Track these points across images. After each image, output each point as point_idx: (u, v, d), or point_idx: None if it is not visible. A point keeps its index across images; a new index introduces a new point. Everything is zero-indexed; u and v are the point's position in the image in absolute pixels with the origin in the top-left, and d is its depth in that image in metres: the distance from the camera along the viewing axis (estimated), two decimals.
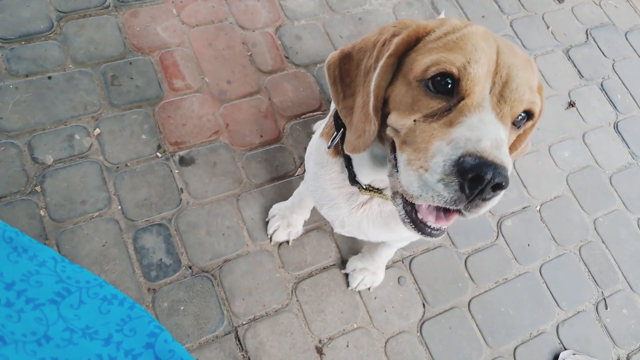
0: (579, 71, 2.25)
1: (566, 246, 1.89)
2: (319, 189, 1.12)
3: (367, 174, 0.97)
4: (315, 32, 2.01)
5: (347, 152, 0.86)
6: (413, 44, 0.80)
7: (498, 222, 1.87)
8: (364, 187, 0.99)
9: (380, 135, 0.84)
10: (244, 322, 1.53)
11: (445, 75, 0.73)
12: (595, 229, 1.95)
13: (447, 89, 0.74)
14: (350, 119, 0.85)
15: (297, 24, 2.01)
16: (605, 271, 1.89)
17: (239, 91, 1.84)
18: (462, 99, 0.73)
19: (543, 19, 2.33)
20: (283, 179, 1.76)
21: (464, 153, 0.65)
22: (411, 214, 0.76)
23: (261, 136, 1.79)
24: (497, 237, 1.85)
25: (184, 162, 1.70)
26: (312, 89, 1.91)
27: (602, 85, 2.25)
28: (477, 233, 1.83)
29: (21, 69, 1.69)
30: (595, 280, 1.86)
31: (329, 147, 1.04)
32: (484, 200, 0.66)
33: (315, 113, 1.87)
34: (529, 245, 1.86)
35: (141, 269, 1.53)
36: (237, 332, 1.51)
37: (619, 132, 2.17)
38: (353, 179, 0.99)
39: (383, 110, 0.82)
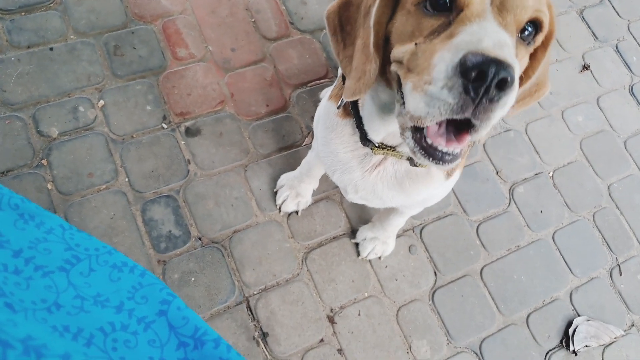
0: (593, 32, 2.12)
1: (579, 212, 1.81)
2: (330, 154, 1.05)
3: (377, 129, 0.90)
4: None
5: (346, 98, 0.80)
6: None
7: (510, 189, 1.78)
8: (377, 145, 0.92)
9: (386, 78, 0.79)
10: (255, 292, 1.48)
11: None
12: (609, 194, 1.86)
13: (445, 6, 0.68)
14: (350, 66, 0.80)
15: None
16: (620, 237, 1.81)
17: (243, 59, 1.75)
18: (462, 10, 0.67)
19: None
20: (291, 149, 1.68)
21: (465, 54, 0.59)
22: (421, 142, 0.70)
23: (267, 105, 1.71)
24: (509, 204, 1.77)
25: (190, 132, 1.62)
26: (318, 56, 1.81)
27: (616, 47, 2.12)
28: (489, 200, 1.75)
29: (23, 40, 1.61)
30: (609, 247, 1.78)
31: (338, 108, 0.97)
32: (492, 101, 0.60)
33: (322, 81, 1.78)
34: (541, 212, 1.78)
35: (150, 241, 1.48)
36: (248, 302, 1.47)
37: (634, 96, 2.05)
38: (365, 139, 0.92)
39: (386, 49, 0.76)
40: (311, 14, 1.85)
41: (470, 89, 0.59)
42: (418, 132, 0.70)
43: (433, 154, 0.69)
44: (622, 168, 1.92)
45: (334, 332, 1.48)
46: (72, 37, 1.66)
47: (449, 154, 0.69)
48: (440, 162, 0.69)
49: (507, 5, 0.67)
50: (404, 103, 0.71)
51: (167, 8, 1.75)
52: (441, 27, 0.68)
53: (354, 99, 0.81)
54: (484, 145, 1.83)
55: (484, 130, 0.65)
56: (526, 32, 0.71)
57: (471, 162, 1.79)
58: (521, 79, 0.78)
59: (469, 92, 0.59)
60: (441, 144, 0.68)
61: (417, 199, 1.06)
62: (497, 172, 1.80)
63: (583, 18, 2.14)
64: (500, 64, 0.57)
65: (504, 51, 0.60)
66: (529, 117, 1.91)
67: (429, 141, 0.69)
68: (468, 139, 0.68)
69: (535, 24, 0.71)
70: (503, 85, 0.59)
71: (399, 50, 0.72)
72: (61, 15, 1.67)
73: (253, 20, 1.81)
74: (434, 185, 1.01)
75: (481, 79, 0.58)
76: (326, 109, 1.06)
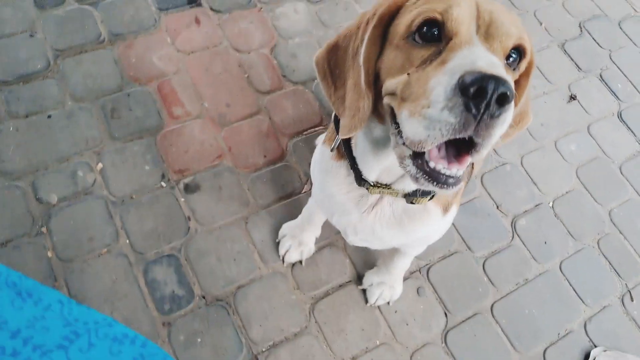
0: (576, 64, 2.17)
1: (584, 240, 1.79)
2: (327, 198, 1.06)
3: (372, 166, 0.90)
4: (310, 49, 1.94)
5: (342, 136, 0.81)
6: (395, 12, 0.78)
7: (512, 222, 1.77)
8: (372, 184, 0.92)
9: (379, 114, 0.80)
10: (263, 349, 1.43)
11: (429, 23, 0.71)
12: (611, 220, 1.85)
13: (434, 37, 0.71)
14: (343, 106, 0.81)
15: (291, 43, 1.95)
16: (627, 262, 1.78)
17: (239, 113, 1.77)
18: (451, 39, 0.69)
19: (535, 15, 2.26)
20: (290, 197, 1.67)
21: (462, 74, 0.60)
22: (422, 167, 0.70)
23: (265, 156, 1.72)
24: (513, 237, 1.75)
25: (189, 189, 1.62)
26: (312, 105, 1.84)
27: (601, 76, 2.17)
28: (492, 235, 1.73)
29: (21, 109, 1.63)
30: (617, 273, 1.76)
31: (331, 150, 0.99)
32: (492, 117, 0.61)
33: (317, 128, 1.80)
34: (545, 242, 1.76)
35: (154, 303, 1.44)
36: (257, 359, 1.42)
37: (624, 121, 2.08)
38: (360, 179, 0.93)
39: (376, 85, 0.78)
40: (302, 65, 1.90)
41: (471, 105, 0.60)
42: (419, 158, 0.70)
43: (436, 178, 0.69)
44: (620, 193, 1.91)
45: None
46: (69, 103, 1.68)
47: (452, 177, 0.69)
48: (445, 186, 0.69)
49: (493, 33, 0.70)
50: (399, 134, 0.72)
51: (161, 69, 1.79)
52: (432, 56, 0.69)
53: (350, 135, 0.82)
54: (481, 180, 1.83)
55: (485, 150, 0.66)
56: (511, 59, 0.73)
57: (470, 198, 1.78)
58: None
59: (470, 109, 0.60)
60: (443, 165, 0.68)
61: (416, 237, 1.05)
62: (498, 207, 1.79)
63: (565, 51, 2.19)
64: (498, 80, 0.58)
65: (498, 70, 0.61)
66: (523, 150, 1.92)
67: (432, 165, 0.69)
68: (469, 159, 0.68)
69: (519, 50, 0.74)
70: (503, 100, 0.60)
71: (391, 83, 0.73)
72: (58, 82, 1.70)
73: (246, 75, 1.84)
74: (432, 222, 1.01)
75: (481, 95, 0.59)
76: (321, 153, 1.07)
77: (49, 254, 1.45)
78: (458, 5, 0.70)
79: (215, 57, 1.85)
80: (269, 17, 1.98)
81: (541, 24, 2.24)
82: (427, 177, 0.70)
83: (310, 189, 1.67)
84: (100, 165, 1.60)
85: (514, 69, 0.75)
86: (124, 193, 1.57)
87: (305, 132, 1.78)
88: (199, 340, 1.41)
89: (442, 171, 0.68)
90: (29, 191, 1.52)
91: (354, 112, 0.78)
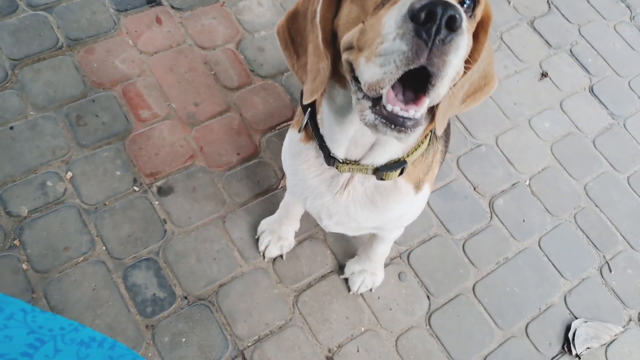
0: (546, 41, 2.39)
1: (561, 216, 2.00)
2: (299, 182, 1.18)
3: (339, 138, 1.00)
4: (277, 42, 2.10)
5: (306, 101, 0.91)
6: None
7: (490, 203, 1.97)
8: (341, 161, 1.03)
9: (340, 77, 0.90)
10: (249, 344, 1.59)
11: None
12: (587, 194, 2.06)
13: None
14: (305, 71, 0.91)
15: (257, 36, 2.11)
16: (604, 235, 1.99)
17: (208, 112, 1.92)
18: None
19: None
20: (267, 194, 1.83)
21: (412, 2, 0.68)
22: (380, 111, 0.77)
23: (238, 154, 1.87)
24: (491, 217, 1.94)
25: (162, 192, 1.77)
26: (283, 98, 2.00)
27: (571, 51, 2.39)
28: (470, 217, 1.92)
29: None
30: (595, 246, 1.97)
31: (299, 131, 1.10)
32: (444, 42, 0.68)
33: (289, 122, 1.96)
34: (524, 220, 1.96)
35: (136, 307, 1.58)
36: (243, 355, 1.57)
37: (595, 95, 2.30)
38: (329, 157, 1.03)
39: (335, 46, 0.87)
40: (270, 59, 2.06)
41: (421, 31, 0.66)
42: (377, 105, 0.78)
43: (394, 120, 0.75)
44: (594, 167, 2.13)
45: None
46: (31, 113, 1.81)
47: (410, 119, 0.76)
48: (403, 129, 0.76)
49: None
50: (359, 89, 0.80)
51: (125, 72, 1.93)
52: (385, 1, 0.77)
53: (313, 98, 0.91)
54: (457, 163, 2.02)
55: (441, 85, 0.73)
56: (465, 5, 0.79)
57: (447, 181, 1.97)
58: (468, 62, 0.87)
59: (420, 34, 0.67)
60: (401, 108, 0.76)
61: (390, 217, 1.18)
62: (475, 188, 1.98)
63: (535, 28, 2.41)
64: (446, 4, 0.64)
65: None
66: (498, 130, 2.12)
67: (389, 108, 0.75)
68: (426, 100, 0.76)
69: None
70: (452, 23, 0.66)
71: (348, 36, 0.82)
72: (18, 93, 1.83)
73: (213, 72, 2.00)
74: (404, 199, 1.13)
75: (431, 19, 0.65)
76: (289, 137, 1.20)
77: (24, 266, 1.58)
78: None
79: (180, 56, 2.00)
80: (232, 12, 2.13)
81: (509, 2, 2.44)
82: (384, 122, 0.77)
83: (286, 184, 1.83)
84: (69, 174, 1.73)
85: (469, 16, 0.82)
86: (97, 200, 1.71)
87: (277, 127, 1.94)
88: (184, 340, 1.56)
89: (400, 113, 0.76)
90: None
91: (315, 74, 0.87)
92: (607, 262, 1.94)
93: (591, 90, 2.31)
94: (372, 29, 0.75)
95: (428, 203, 1.91)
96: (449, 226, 1.89)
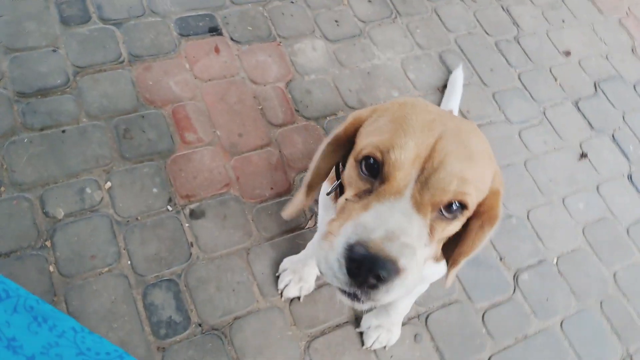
0: (589, 123, 2.41)
1: (586, 301, 1.96)
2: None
3: None
4: (325, 87, 2.17)
5: (285, 218, 1.09)
6: (353, 131, 0.95)
7: (514, 276, 1.95)
8: None
9: None
10: None
11: (372, 158, 0.84)
12: (615, 282, 2.03)
13: (375, 172, 0.84)
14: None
15: (307, 79, 2.18)
16: (629, 326, 1.94)
17: (250, 144, 1.97)
18: (384, 182, 0.82)
19: (551, 72, 2.51)
20: (294, 232, 1.85)
21: (357, 241, 0.76)
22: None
23: (272, 188, 1.91)
24: (514, 291, 1.92)
25: (194, 215, 1.80)
26: (322, 141, 2.04)
27: (613, 136, 2.40)
28: (494, 287, 1.90)
29: (36, 122, 1.83)
30: (619, 336, 1.92)
31: (327, 194, 1.16)
32: (372, 288, 0.76)
33: None
34: (547, 299, 1.93)
35: (150, 327, 1.59)
36: None
37: (633, 183, 2.29)
38: None
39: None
40: (315, 102, 2.12)
41: (352, 273, 0.76)
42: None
43: (351, 297, 0.84)
44: (626, 255, 2.10)
45: None
46: (84, 120, 1.88)
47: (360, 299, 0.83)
48: (358, 304, 0.84)
49: (429, 185, 0.80)
50: None
51: (177, 94, 2.01)
52: (366, 193, 0.85)
53: (286, 219, 1.09)
54: None
55: (380, 303, 0.80)
56: (453, 208, 0.84)
57: None
58: (452, 241, 0.97)
59: (353, 275, 0.77)
60: (349, 302, 0.83)
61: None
62: (501, 259, 1.97)
63: (579, 109, 2.43)
64: (378, 262, 0.73)
65: (393, 244, 0.76)
66: (531, 204, 2.12)
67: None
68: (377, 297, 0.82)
69: (462, 204, 0.84)
70: (380, 279, 0.74)
71: (342, 197, 0.90)
72: (75, 99, 1.91)
73: (260, 107, 2.06)
74: (425, 270, 1.16)
75: (360, 269, 0.75)
76: (323, 190, 1.26)
77: (51, 268, 1.61)
78: (401, 148, 0.80)
79: (231, 87, 2.08)
80: (287, 52, 2.22)
81: (556, 80, 2.49)
82: (341, 295, 0.85)
83: (315, 225, 1.85)
84: (108, 184, 1.78)
85: (454, 217, 0.85)
86: (130, 214, 1.75)
87: None
88: None
89: (355, 303, 0.83)
90: (36, 204, 1.70)
91: (293, 201, 1.03)
92: (630, 355, 1.88)
93: (630, 178, 2.31)
94: (344, 216, 0.85)
95: None
96: (471, 294, 1.87)
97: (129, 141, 1.88)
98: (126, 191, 1.79)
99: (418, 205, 0.80)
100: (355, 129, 0.95)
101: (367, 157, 0.84)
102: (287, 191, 1.92)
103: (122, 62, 2.03)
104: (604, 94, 2.52)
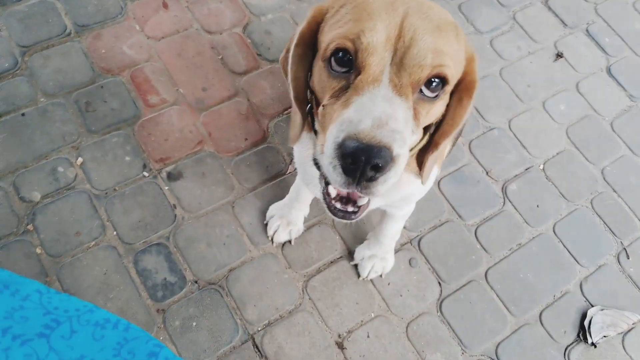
0: (561, 20, 2.34)
1: (577, 201, 1.97)
2: (301, 167, 1.23)
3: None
4: (285, 24, 2.10)
5: (290, 144, 1.03)
6: (316, 28, 0.89)
7: (503, 188, 1.95)
8: None
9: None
10: (259, 329, 1.61)
11: (342, 50, 0.80)
12: (604, 178, 2.03)
13: (348, 64, 0.80)
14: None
15: (264, 19, 2.10)
16: (621, 220, 1.96)
17: (216, 97, 1.92)
18: (360, 73, 0.79)
19: None
20: (275, 179, 1.84)
21: (345, 137, 0.74)
22: (326, 199, 0.90)
23: (246, 139, 1.88)
24: (504, 203, 1.92)
25: (172, 177, 1.78)
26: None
27: (587, 30, 2.34)
28: (483, 202, 1.91)
29: None
30: (612, 231, 1.94)
31: (307, 114, 1.12)
32: (370, 180, 0.76)
33: None
34: (538, 206, 1.94)
35: (147, 291, 1.61)
36: (253, 339, 1.59)
37: (613, 76, 2.25)
38: None
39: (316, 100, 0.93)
40: (277, 42, 2.05)
41: (348, 171, 0.75)
42: (327, 185, 0.90)
43: (334, 212, 0.89)
44: (612, 150, 2.09)
45: (345, 357, 1.60)
46: (42, 100, 1.83)
47: (350, 212, 0.88)
48: (342, 219, 0.90)
49: (405, 64, 0.77)
50: (318, 167, 0.90)
51: (133, 58, 1.94)
52: (341, 90, 0.81)
53: (293, 146, 1.00)
54: (469, 147, 2.00)
55: (374, 196, 0.81)
56: (433, 84, 0.81)
57: (459, 166, 1.96)
58: (440, 124, 0.94)
59: (348, 173, 0.76)
60: (340, 206, 0.88)
61: (395, 199, 1.19)
62: (487, 173, 1.97)
63: (549, 8, 2.36)
64: (372, 151, 0.72)
65: (383, 130, 0.73)
66: (511, 113, 2.09)
67: (332, 193, 0.89)
68: (365, 199, 0.87)
69: (442, 79, 0.81)
70: (377, 168, 0.73)
71: (321, 107, 0.87)
72: (28, 79, 1.85)
73: (220, 57, 2.00)
74: (407, 187, 1.14)
75: (356, 163, 0.73)
76: (297, 150, 1.23)
77: (38, 250, 1.61)
78: (371, 30, 0.76)
79: (187, 41, 2.00)
80: None
81: None
82: (326, 207, 0.89)
83: (295, 170, 1.84)
84: (80, 159, 1.75)
85: (435, 96, 0.83)
86: (107, 186, 1.73)
87: (285, 112, 1.94)
88: (195, 324, 1.58)
89: (338, 206, 0.87)
90: (10, 191, 1.68)
91: (292, 123, 0.94)
92: (624, 248, 1.91)
93: (609, 71, 2.26)
94: (327, 122, 0.82)
95: (439, 188, 1.90)
96: (461, 211, 1.88)
97: (93, 114, 1.83)
98: (99, 164, 1.76)
99: (398, 89, 0.78)
100: (317, 24, 0.89)
101: (336, 51, 0.81)
102: (263, 139, 1.89)
103: (69, 34, 1.95)
104: None
